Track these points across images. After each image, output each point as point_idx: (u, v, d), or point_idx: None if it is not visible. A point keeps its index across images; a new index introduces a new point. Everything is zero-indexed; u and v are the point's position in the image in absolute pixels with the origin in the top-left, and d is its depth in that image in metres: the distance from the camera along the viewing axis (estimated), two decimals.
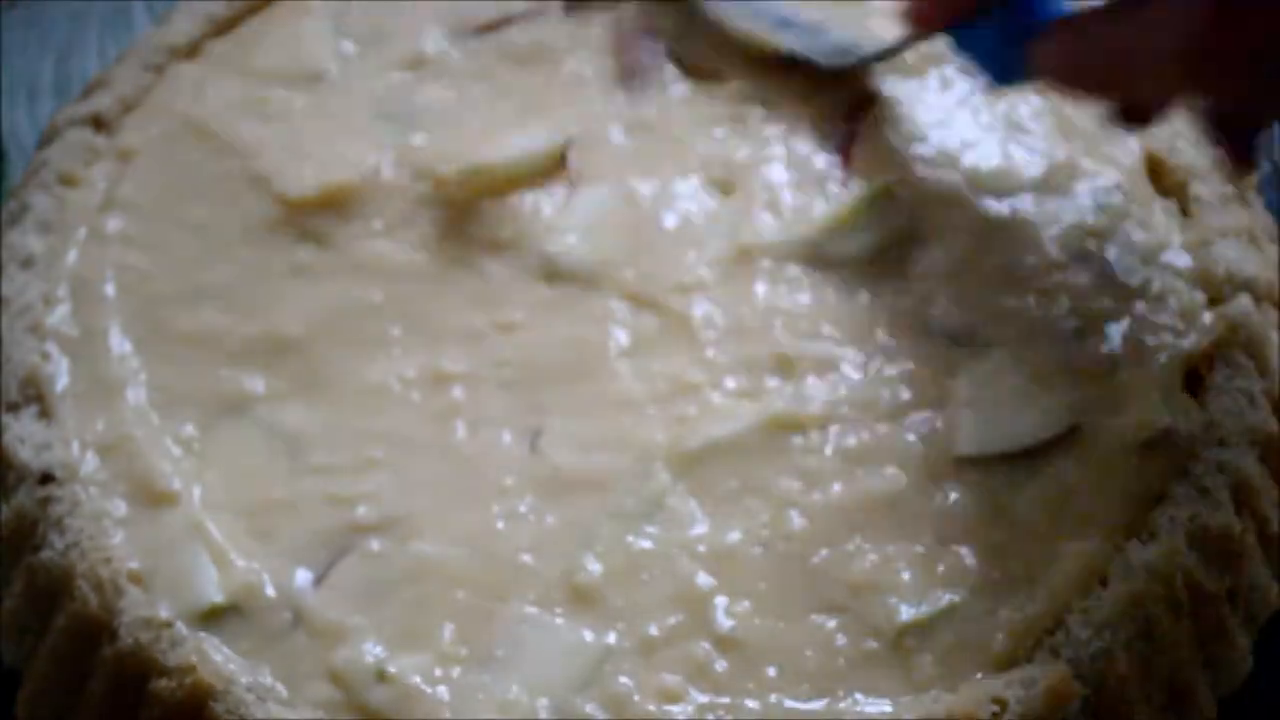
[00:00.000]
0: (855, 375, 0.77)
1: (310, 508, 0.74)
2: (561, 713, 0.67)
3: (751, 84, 0.89)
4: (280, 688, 0.69)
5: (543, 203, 0.84)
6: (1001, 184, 0.84)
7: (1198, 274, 0.81)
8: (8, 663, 0.75)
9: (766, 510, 0.73)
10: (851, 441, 0.75)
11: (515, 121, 0.87)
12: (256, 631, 0.70)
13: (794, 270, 0.81)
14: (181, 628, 0.70)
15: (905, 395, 0.77)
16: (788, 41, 0.90)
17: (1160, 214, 0.84)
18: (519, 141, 0.85)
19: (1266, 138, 0.88)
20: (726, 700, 0.68)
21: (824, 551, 0.72)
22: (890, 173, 0.84)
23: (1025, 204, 0.83)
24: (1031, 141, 0.86)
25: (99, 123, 0.89)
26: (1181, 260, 0.81)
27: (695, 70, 0.90)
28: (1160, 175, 0.86)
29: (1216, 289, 0.80)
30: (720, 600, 0.70)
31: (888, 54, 0.88)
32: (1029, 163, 0.85)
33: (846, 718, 0.67)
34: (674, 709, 0.68)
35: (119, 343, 0.80)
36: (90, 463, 0.75)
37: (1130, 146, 0.86)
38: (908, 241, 0.82)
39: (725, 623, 0.70)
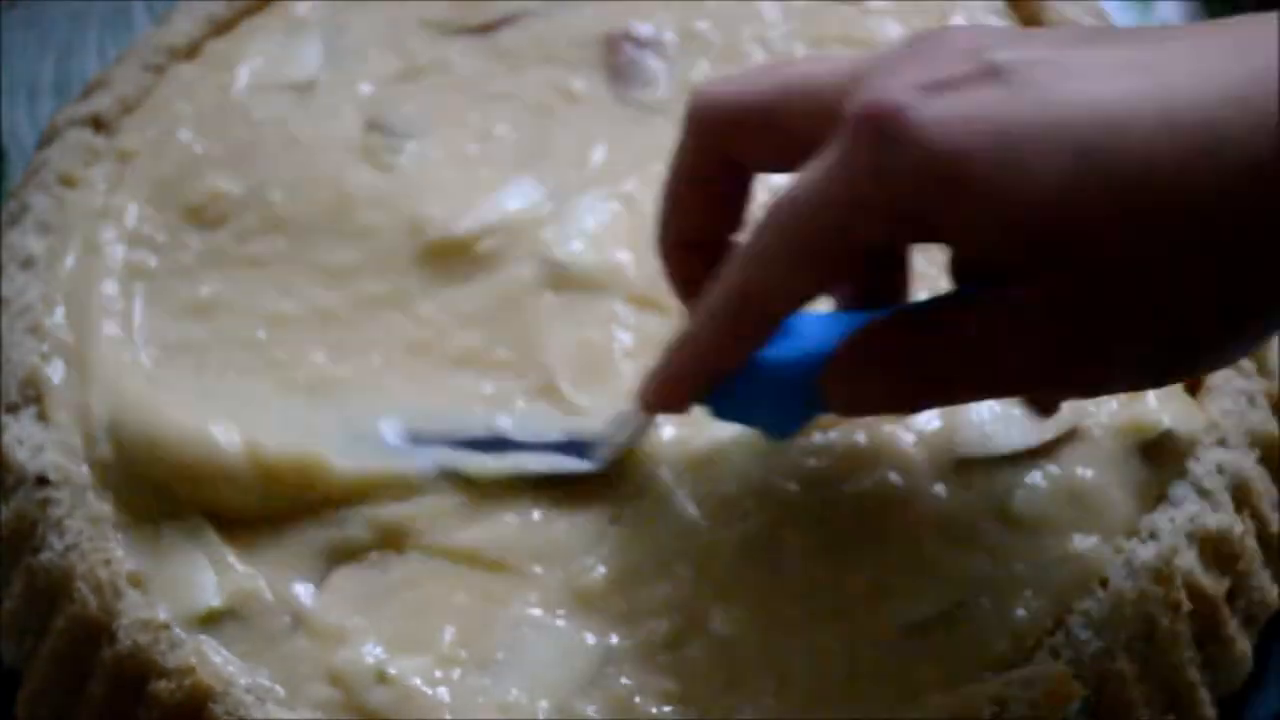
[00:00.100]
0: None
1: (312, 509, 0.74)
2: (562, 714, 0.67)
3: None
4: (279, 689, 0.69)
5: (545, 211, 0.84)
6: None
7: None
8: (8, 663, 0.75)
9: (766, 511, 0.73)
10: (851, 442, 0.75)
11: (509, 132, 0.87)
12: (255, 633, 0.70)
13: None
14: (180, 630, 0.70)
15: None
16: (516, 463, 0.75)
17: None
18: (504, 199, 0.84)
19: None
20: (725, 702, 0.68)
21: (824, 553, 0.72)
22: None
23: None
24: None
25: (99, 123, 0.89)
26: None
27: None
28: None
29: None
30: (719, 602, 0.70)
31: (635, 436, 0.74)
32: None
33: (848, 718, 0.67)
34: (674, 711, 0.67)
35: (119, 343, 0.80)
36: (86, 466, 0.75)
37: None
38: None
39: (724, 625, 0.70)
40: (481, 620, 0.70)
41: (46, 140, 0.90)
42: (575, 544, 0.72)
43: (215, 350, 0.79)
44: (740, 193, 0.70)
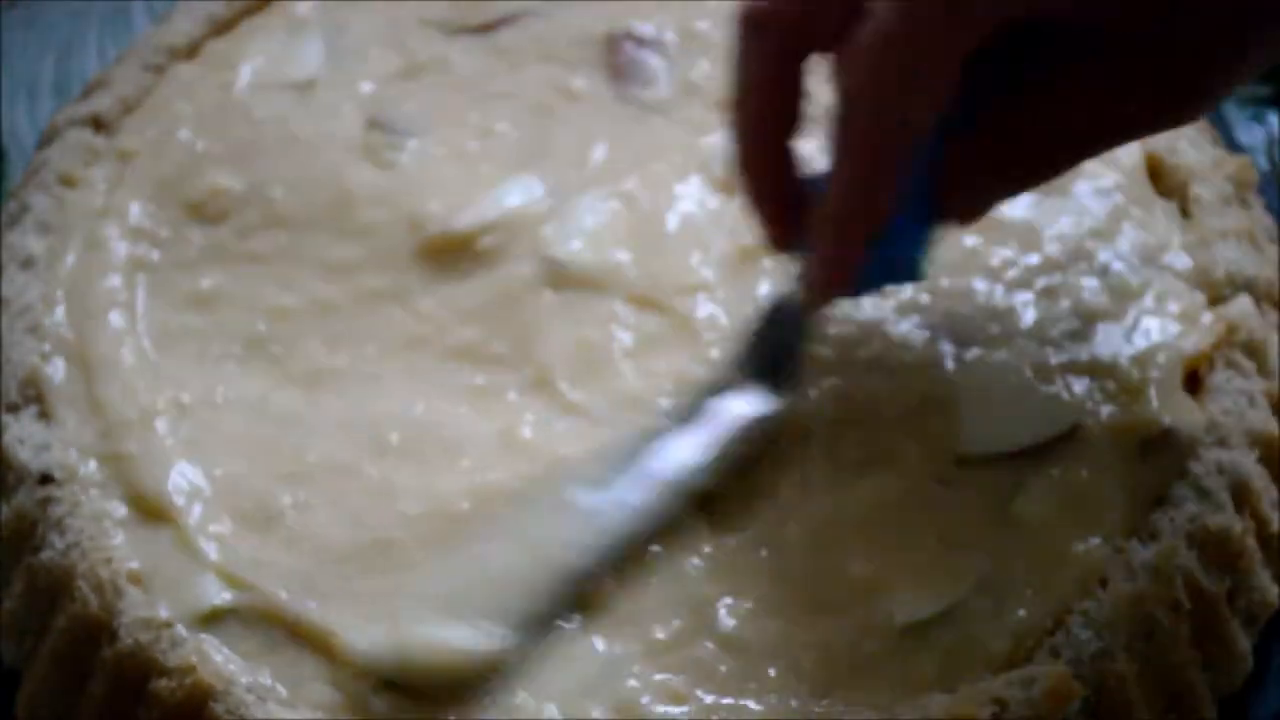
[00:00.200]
0: (856, 375, 0.77)
1: (314, 508, 0.74)
2: (567, 715, 0.67)
3: None
4: (280, 688, 0.69)
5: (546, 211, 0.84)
6: None
7: (1198, 274, 0.81)
8: (8, 663, 0.75)
9: (769, 511, 0.73)
10: (853, 442, 0.75)
11: (509, 131, 0.87)
12: (256, 632, 0.70)
13: (796, 271, 0.81)
14: (181, 628, 0.70)
15: (906, 395, 0.76)
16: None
17: (1160, 215, 0.84)
18: (504, 196, 0.84)
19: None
20: (729, 701, 0.68)
21: (825, 552, 0.72)
22: None
23: (1025, 204, 0.83)
24: None
25: (99, 123, 0.89)
26: (1181, 261, 0.81)
27: None
28: (1160, 176, 0.86)
29: (1216, 290, 0.80)
30: (724, 601, 0.70)
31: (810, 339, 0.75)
32: None
33: (847, 718, 0.67)
34: (678, 710, 0.67)
35: (119, 343, 0.80)
36: (90, 464, 0.75)
37: (1130, 147, 0.86)
38: None
39: (728, 624, 0.70)
40: None
41: (46, 140, 0.90)
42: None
43: (216, 341, 0.80)
44: (800, 85, 0.71)
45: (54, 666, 0.72)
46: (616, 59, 0.91)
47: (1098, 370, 0.77)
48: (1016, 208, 0.83)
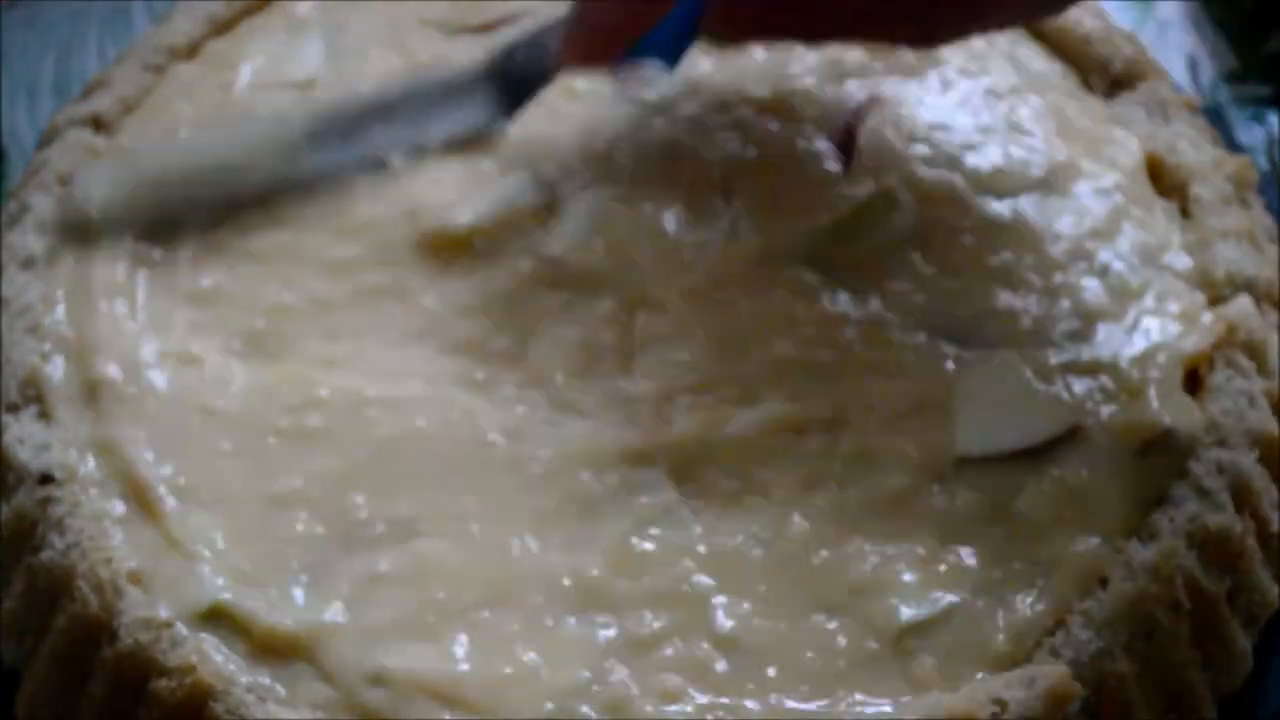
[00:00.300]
0: (856, 375, 0.77)
1: (314, 506, 0.74)
2: (564, 714, 0.67)
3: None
4: (280, 688, 0.69)
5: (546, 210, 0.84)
6: (1002, 184, 0.84)
7: (1198, 274, 0.81)
8: (8, 663, 0.75)
9: (767, 511, 0.73)
10: (852, 441, 0.75)
11: (509, 129, 0.87)
12: (256, 632, 0.70)
13: (795, 271, 0.81)
14: (181, 628, 0.70)
15: (905, 395, 0.77)
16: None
17: (1160, 214, 0.84)
18: (503, 194, 0.84)
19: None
20: (727, 701, 0.68)
21: (824, 552, 0.72)
22: (891, 173, 0.84)
23: (1025, 204, 0.83)
24: (1032, 142, 0.86)
25: (99, 123, 0.89)
26: (1181, 261, 0.81)
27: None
28: (1160, 176, 0.86)
29: (1216, 289, 0.80)
30: (721, 601, 0.70)
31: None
32: (1029, 163, 0.85)
33: (847, 718, 0.67)
34: (675, 709, 0.67)
35: (120, 342, 0.80)
36: (89, 463, 0.75)
37: (1130, 148, 0.86)
38: (908, 242, 0.82)
39: (726, 623, 0.70)
40: (483, 619, 0.70)
41: (46, 140, 0.90)
42: (577, 541, 0.73)
43: (216, 339, 0.80)
44: None
45: (54, 666, 0.72)
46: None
47: (1098, 370, 0.77)
48: (1017, 207, 0.83)
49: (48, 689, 0.72)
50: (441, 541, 0.73)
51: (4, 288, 0.82)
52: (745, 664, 0.69)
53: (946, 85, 0.89)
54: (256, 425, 0.77)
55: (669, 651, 0.69)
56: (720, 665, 0.69)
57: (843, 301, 0.80)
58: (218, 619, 0.70)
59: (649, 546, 0.72)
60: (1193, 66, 1.02)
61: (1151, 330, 0.78)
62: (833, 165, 0.86)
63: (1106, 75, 0.91)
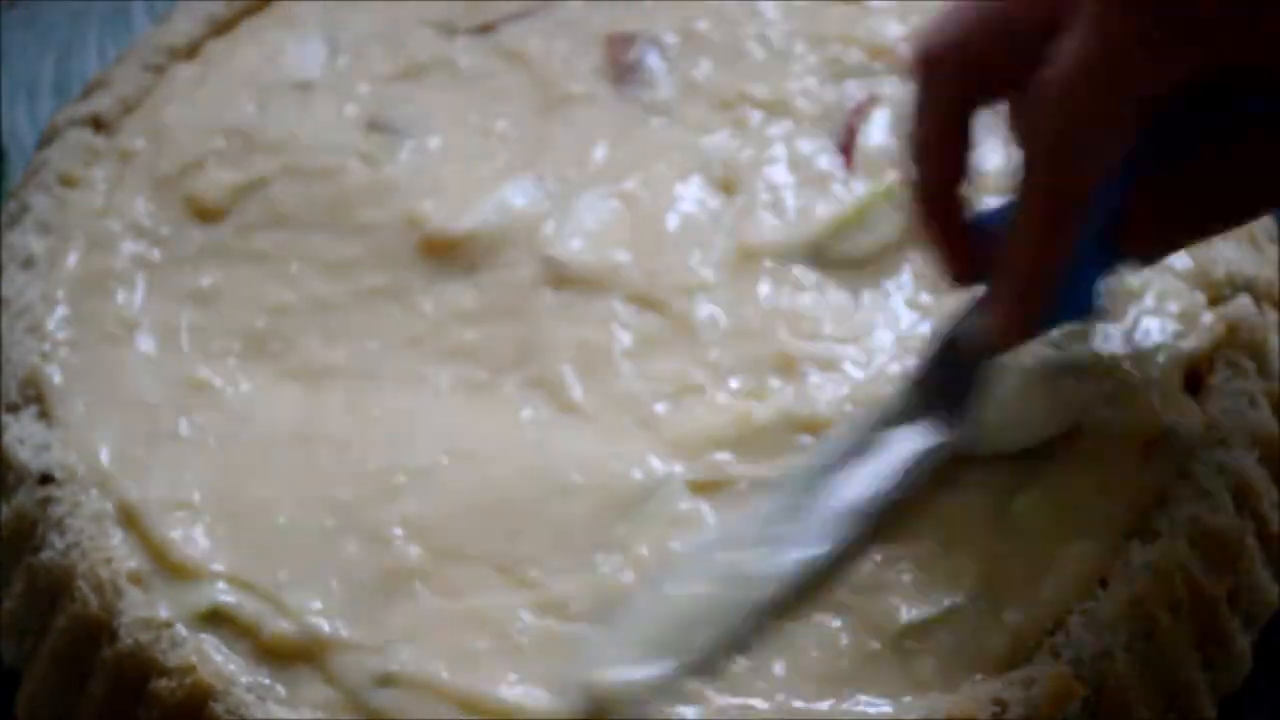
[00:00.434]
0: (858, 375, 0.77)
1: (315, 507, 0.74)
2: (573, 714, 0.67)
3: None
4: (280, 688, 0.69)
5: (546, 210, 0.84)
6: (1002, 184, 0.84)
7: (1198, 274, 0.80)
8: (8, 663, 0.75)
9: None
10: None
11: (509, 131, 0.87)
12: (256, 632, 0.70)
13: (797, 271, 0.81)
14: (181, 628, 0.70)
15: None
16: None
17: None
18: (504, 195, 0.84)
19: None
20: (739, 701, 0.68)
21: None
22: (892, 173, 0.84)
23: None
24: None
25: (99, 123, 0.90)
26: (1181, 261, 0.81)
27: None
28: None
29: (1216, 290, 0.80)
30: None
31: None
32: None
33: (850, 718, 0.67)
34: (689, 710, 0.67)
35: (120, 342, 0.80)
36: (89, 463, 0.75)
37: None
38: (909, 242, 0.82)
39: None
40: (487, 619, 0.70)
41: (46, 140, 0.90)
42: (581, 542, 0.72)
43: (216, 339, 0.80)
44: (972, 130, 0.70)
45: (54, 666, 0.72)
46: (617, 59, 0.91)
47: (1098, 370, 0.77)
48: None
49: (48, 689, 0.72)
50: (445, 544, 0.73)
51: (4, 288, 0.82)
52: (755, 662, 0.69)
53: None
54: (257, 426, 0.77)
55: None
56: (733, 664, 0.69)
57: (845, 301, 0.80)
58: (218, 620, 0.70)
59: (654, 546, 0.72)
60: None
61: (1151, 330, 0.78)
62: (833, 165, 0.86)
63: None
